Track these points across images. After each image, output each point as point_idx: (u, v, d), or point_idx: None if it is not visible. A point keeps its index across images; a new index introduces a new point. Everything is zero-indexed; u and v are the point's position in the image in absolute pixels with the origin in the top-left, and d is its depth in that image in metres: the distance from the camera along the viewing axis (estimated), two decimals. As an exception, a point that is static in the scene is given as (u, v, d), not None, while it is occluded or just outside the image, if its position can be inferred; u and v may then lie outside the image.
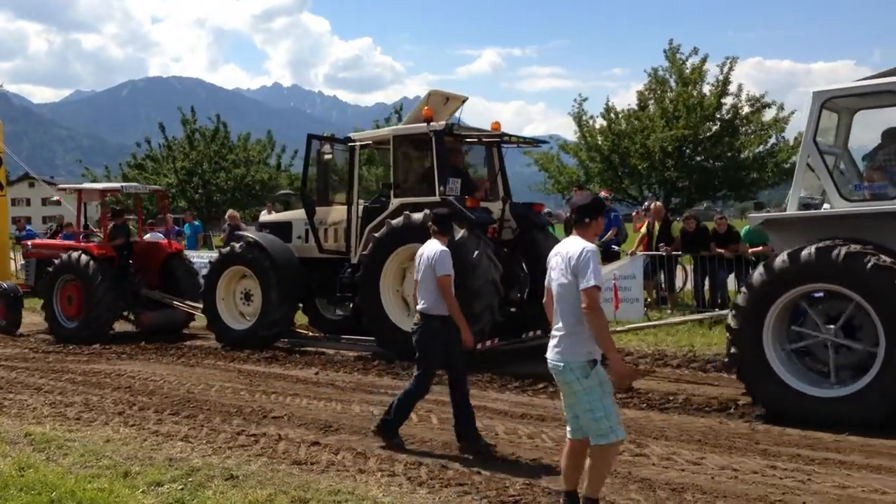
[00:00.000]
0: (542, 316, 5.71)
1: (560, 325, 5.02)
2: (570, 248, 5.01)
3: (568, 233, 5.95)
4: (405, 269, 11.01)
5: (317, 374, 10.52)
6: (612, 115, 27.15)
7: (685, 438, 7.22)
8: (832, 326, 7.62)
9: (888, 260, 7.21)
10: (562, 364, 4.98)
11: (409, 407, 7.05)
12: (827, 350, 7.68)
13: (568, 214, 10.74)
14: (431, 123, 11.04)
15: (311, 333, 13.50)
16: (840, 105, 8.45)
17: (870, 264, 7.22)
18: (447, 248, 6.89)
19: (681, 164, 26.24)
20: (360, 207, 11.94)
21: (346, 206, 12.13)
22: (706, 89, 26.10)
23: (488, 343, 10.51)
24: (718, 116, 26.07)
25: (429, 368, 6.94)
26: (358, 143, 12.03)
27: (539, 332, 11.19)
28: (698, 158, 26.71)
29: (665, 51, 26.78)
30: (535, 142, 13.41)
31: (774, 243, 8.53)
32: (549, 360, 5.09)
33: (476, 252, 10.22)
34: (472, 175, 12.33)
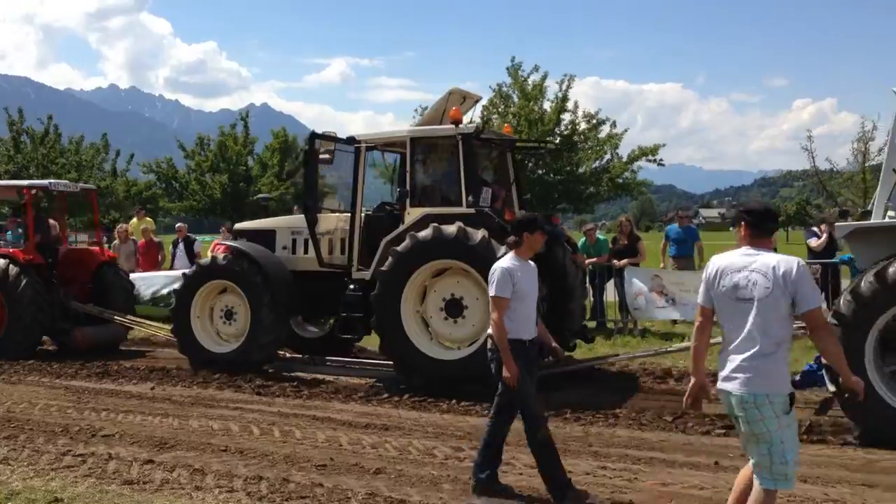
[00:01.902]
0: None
1: (755, 350, 4.29)
2: (774, 261, 4.33)
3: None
4: (426, 286, 9.90)
5: (153, 388, 10.07)
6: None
7: (524, 443, 7.32)
8: None
9: None
10: (752, 396, 4.27)
11: (547, 449, 5.90)
12: None
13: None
14: (460, 126, 10.03)
15: (287, 355, 12.00)
16: None
17: None
18: (512, 265, 5.93)
19: (523, 176, 27.11)
20: (363, 216, 10.77)
21: (338, 214, 11.24)
22: (546, 105, 27.11)
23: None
24: (558, 132, 27.13)
25: (525, 396, 5.87)
26: (364, 145, 10.78)
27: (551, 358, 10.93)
28: (540, 172, 27.68)
29: (508, 67, 27.61)
30: (555, 145, 12.73)
31: (858, 255, 7.86)
32: (732, 392, 4.33)
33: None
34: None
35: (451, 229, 9.43)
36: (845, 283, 13.44)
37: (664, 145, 28.20)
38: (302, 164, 11.01)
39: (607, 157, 27.81)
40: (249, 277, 10.74)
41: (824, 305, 4.11)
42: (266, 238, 11.42)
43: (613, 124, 27.62)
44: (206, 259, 12.04)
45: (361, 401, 9.32)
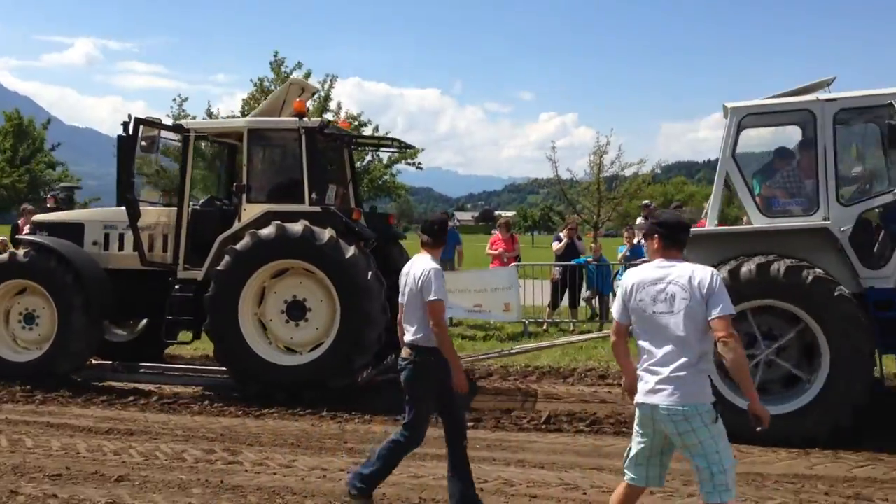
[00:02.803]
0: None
1: (680, 363, 4.19)
2: (689, 272, 4.26)
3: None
4: (265, 288, 9.29)
5: None
6: (216, 119, 26.84)
7: (279, 443, 7.37)
8: (761, 340, 7.46)
9: (822, 272, 7.33)
10: (683, 409, 4.16)
11: (396, 460, 5.69)
12: (757, 367, 7.42)
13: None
14: (304, 119, 9.52)
15: (94, 361, 10.60)
16: (754, 121, 8.23)
17: (809, 277, 7.28)
18: (440, 266, 5.55)
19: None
20: (189, 211, 9.86)
21: (158, 208, 10.25)
22: (309, 104, 26.96)
23: (365, 374, 9.40)
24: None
25: (423, 413, 5.57)
26: (193, 133, 9.97)
27: (392, 357, 10.15)
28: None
29: (271, 62, 27.16)
30: (407, 146, 11.32)
31: (690, 259, 8.16)
32: (659, 405, 4.20)
33: (370, 273, 8.93)
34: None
35: (296, 228, 8.92)
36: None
37: (423, 150, 29.14)
38: (119, 152, 9.71)
39: (368, 158, 28.20)
40: (58, 277, 9.56)
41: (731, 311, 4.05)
42: (72, 232, 10.15)
43: (376, 128, 28.08)
44: (1, 256, 10.50)
45: (103, 405, 8.83)
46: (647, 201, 18.36)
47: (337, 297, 8.89)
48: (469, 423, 7.87)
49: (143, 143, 9.62)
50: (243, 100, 27.65)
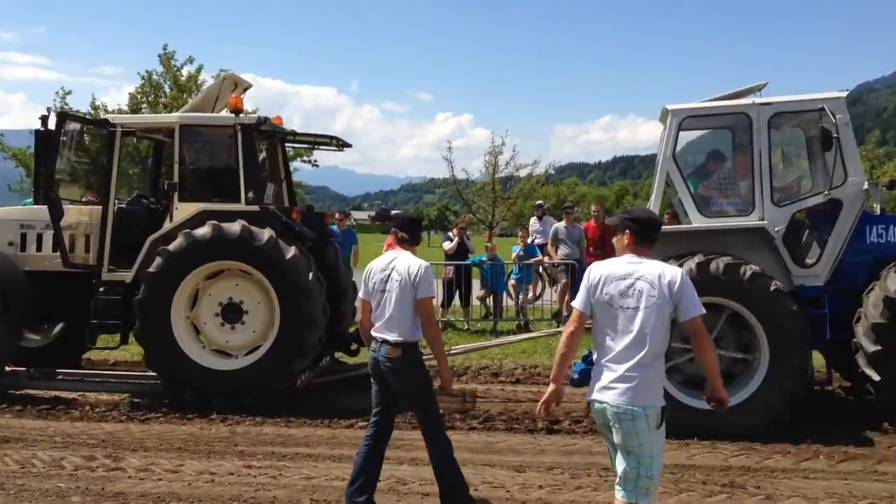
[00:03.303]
0: (334, 340, 4.98)
1: (636, 361, 4.15)
2: (659, 270, 4.23)
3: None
4: (199, 290, 8.88)
5: None
6: (102, 113, 25.82)
7: (165, 447, 7.19)
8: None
9: (758, 268, 7.61)
10: (632, 409, 4.13)
11: (457, 469, 5.51)
12: (688, 363, 7.62)
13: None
14: (241, 115, 9.13)
15: (8, 368, 9.67)
16: (693, 123, 8.45)
17: (748, 274, 7.53)
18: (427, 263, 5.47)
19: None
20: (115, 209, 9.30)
21: (79, 207, 9.58)
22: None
23: (304, 377, 9.00)
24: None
25: (434, 400, 5.47)
26: (120, 129, 9.37)
27: (327, 359, 9.96)
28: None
29: (160, 56, 26.34)
30: (340, 142, 10.72)
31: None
32: (609, 403, 4.17)
33: (311, 274, 8.65)
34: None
35: (233, 227, 8.62)
36: (476, 282, 14.76)
37: (319, 148, 28.80)
38: (38, 148, 9.23)
39: (262, 156, 27.66)
40: None
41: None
42: None
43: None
44: None
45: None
46: (540, 202, 18.74)
47: (276, 299, 8.64)
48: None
49: (64, 138, 9.22)
50: (130, 94, 26.71)
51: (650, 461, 4.13)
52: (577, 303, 4.39)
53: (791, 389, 7.47)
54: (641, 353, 4.13)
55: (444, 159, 37.86)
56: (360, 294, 5.56)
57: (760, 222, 7.88)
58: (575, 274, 13.88)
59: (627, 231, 4.39)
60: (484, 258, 15.16)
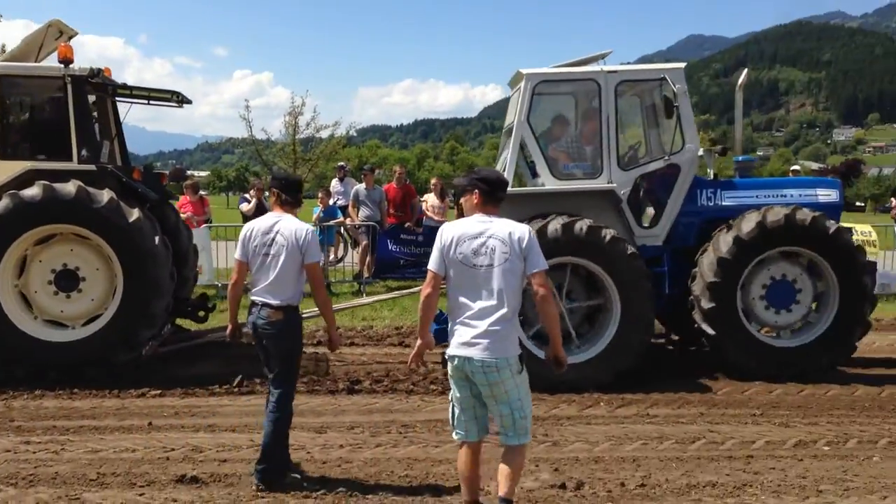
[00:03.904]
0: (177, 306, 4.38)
1: (497, 316, 4.31)
2: (509, 228, 4.37)
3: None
4: (27, 256, 8.05)
5: None
6: None
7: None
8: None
9: (616, 232, 7.91)
10: (495, 360, 4.30)
11: (287, 435, 5.40)
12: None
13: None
14: (71, 66, 8.21)
15: None
16: (546, 88, 8.55)
17: (607, 237, 7.80)
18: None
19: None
20: None
21: None
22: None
23: (149, 346, 8.25)
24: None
25: (296, 370, 5.49)
26: None
27: (169, 326, 9.15)
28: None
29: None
30: (181, 98, 9.73)
31: None
32: (473, 357, 4.31)
33: (157, 238, 8.02)
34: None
35: (68, 188, 7.91)
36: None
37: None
38: None
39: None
40: None
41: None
42: None
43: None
44: None
45: None
46: (342, 163, 18.63)
47: (119, 265, 8.06)
48: (156, 392, 7.58)
49: None
50: None
51: (520, 403, 4.41)
52: (432, 264, 4.48)
53: (640, 343, 7.96)
54: (501, 309, 4.31)
55: (242, 118, 36.66)
56: (237, 255, 5.43)
57: (610, 185, 8.30)
58: (376, 236, 13.98)
59: (476, 191, 4.51)
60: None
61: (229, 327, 5.60)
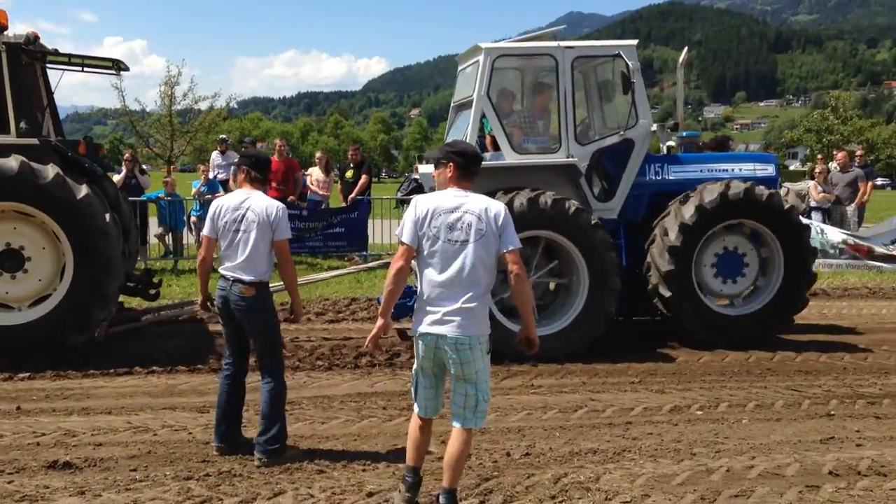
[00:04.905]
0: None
1: (471, 293, 4.22)
2: (485, 204, 4.29)
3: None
4: None
5: None
6: None
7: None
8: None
9: (579, 204, 8.11)
10: (468, 338, 4.21)
11: (282, 406, 5.38)
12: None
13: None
14: (6, 33, 7.86)
15: None
16: (505, 63, 8.60)
17: (572, 209, 7.96)
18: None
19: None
20: None
21: None
22: None
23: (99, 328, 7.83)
24: None
25: (279, 342, 5.56)
26: None
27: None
28: None
29: None
30: (119, 65, 9.03)
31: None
32: (446, 335, 4.21)
33: (108, 214, 7.63)
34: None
35: (10, 163, 7.50)
36: (153, 219, 13.96)
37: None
38: None
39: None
40: None
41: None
42: None
43: None
44: None
45: None
46: (223, 136, 18.12)
47: (68, 243, 7.66)
48: (25, 375, 7.20)
49: None
50: None
51: (485, 385, 4.32)
52: (406, 237, 4.32)
53: (608, 313, 8.20)
54: (475, 286, 4.24)
55: (115, 88, 35.06)
56: (206, 231, 5.39)
57: (572, 160, 8.43)
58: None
59: (451, 164, 4.39)
60: (161, 194, 14.36)
61: (200, 298, 5.66)
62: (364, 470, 5.12)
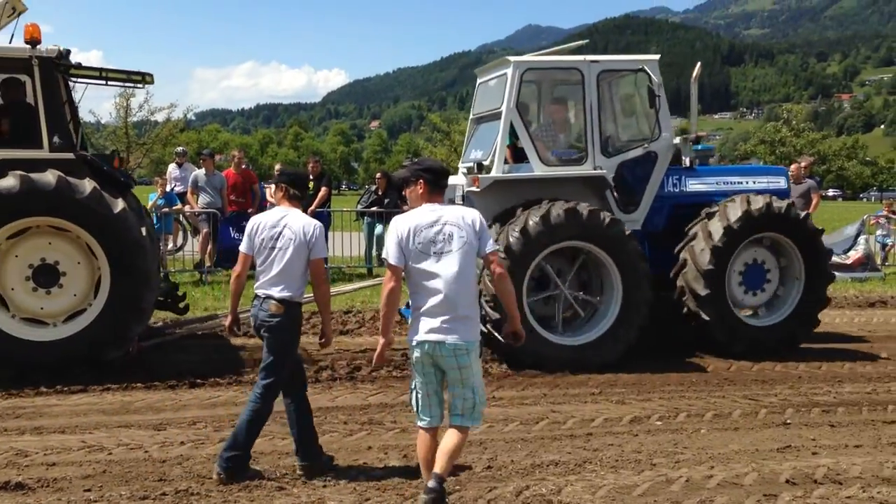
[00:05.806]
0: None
1: (466, 300, 4.49)
2: (460, 212, 4.57)
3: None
4: (1, 251, 7.62)
5: None
6: None
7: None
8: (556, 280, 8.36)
9: (612, 215, 8.32)
10: (465, 344, 4.45)
11: (259, 427, 5.31)
12: (555, 304, 8.42)
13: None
14: (39, 46, 7.69)
15: None
16: (533, 76, 8.85)
17: (606, 220, 8.14)
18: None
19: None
20: None
21: None
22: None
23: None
24: None
25: (285, 371, 5.31)
26: None
27: None
28: None
29: None
30: (145, 78, 8.70)
31: (487, 203, 8.41)
32: (445, 342, 4.42)
33: (143, 228, 7.76)
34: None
35: (47, 178, 7.46)
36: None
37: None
38: None
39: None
40: None
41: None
42: None
43: None
44: None
45: None
46: (180, 148, 17.89)
47: (105, 258, 7.72)
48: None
49: None
50: None
51: (480, 388, 4.57)
52: (392, 258, 4.49)
53: (640, 321, 8.34)
54: (467, 293, 4.49)
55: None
56: (242, 248, 5.39)
57: (601, 171, 8.62)
58: (217, 223, 13.50)
59: (421, 181, 4.60)
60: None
61: (228, 319, 5.60)
62: (325, 486, 5.09)
